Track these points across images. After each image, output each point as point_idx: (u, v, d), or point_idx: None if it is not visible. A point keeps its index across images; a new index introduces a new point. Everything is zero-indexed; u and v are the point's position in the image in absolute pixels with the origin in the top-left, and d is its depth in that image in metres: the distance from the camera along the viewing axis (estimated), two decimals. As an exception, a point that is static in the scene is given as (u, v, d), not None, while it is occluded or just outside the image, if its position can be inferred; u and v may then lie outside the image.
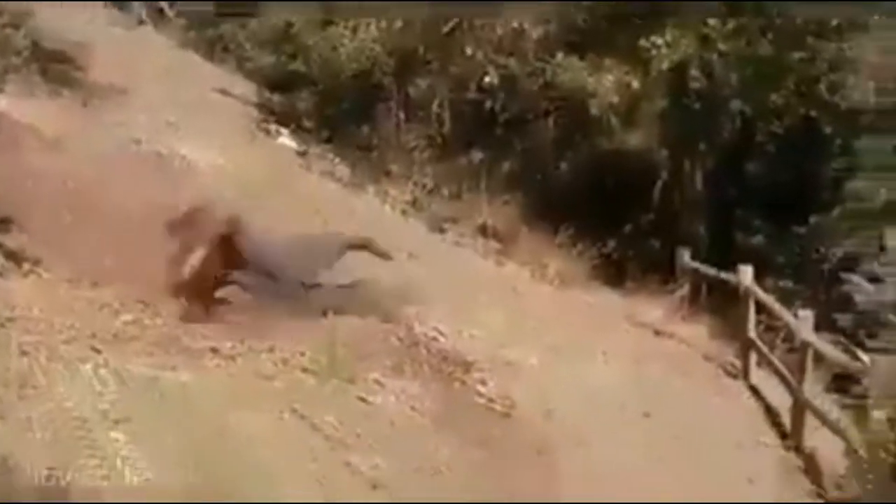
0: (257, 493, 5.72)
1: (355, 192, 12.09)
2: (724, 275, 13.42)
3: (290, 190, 10.59)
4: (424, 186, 13.22)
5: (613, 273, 14.40)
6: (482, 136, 15.46)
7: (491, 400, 8.65)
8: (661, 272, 14.14)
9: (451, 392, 8.37)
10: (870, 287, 10.69)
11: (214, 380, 6.75)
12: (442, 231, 12.45)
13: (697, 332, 12.90)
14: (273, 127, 13.27)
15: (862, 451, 8.31)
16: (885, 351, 9.63)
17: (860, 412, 9.21)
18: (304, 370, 7.43)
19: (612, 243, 15.21)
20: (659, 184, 16.67)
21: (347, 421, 7.06)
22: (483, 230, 12.69)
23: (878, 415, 8.36)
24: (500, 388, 8.85)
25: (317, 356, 7.56)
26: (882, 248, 12.53)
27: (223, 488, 5.48)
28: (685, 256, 14.63)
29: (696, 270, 14.39)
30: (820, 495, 9.30)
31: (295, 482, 6.04)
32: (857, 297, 10.85)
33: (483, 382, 8.78)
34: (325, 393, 7.29)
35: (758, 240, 15.13)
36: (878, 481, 8.12)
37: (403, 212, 12.18)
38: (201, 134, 10.80)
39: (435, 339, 8.85)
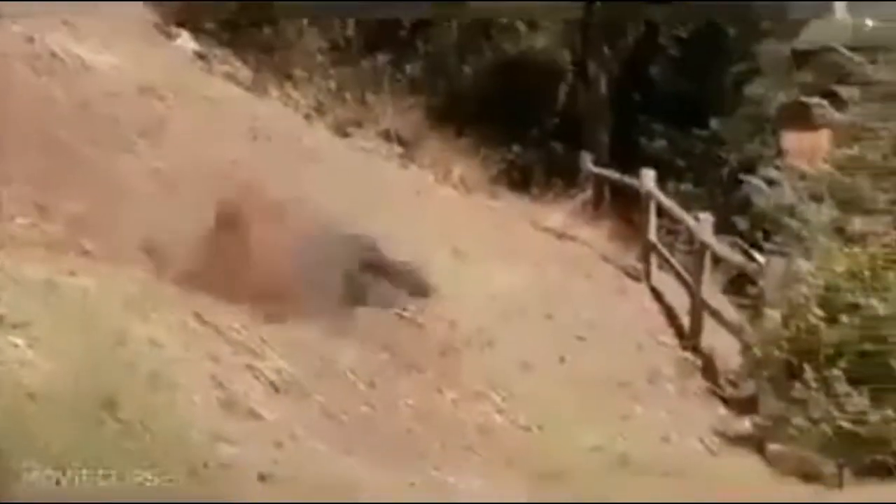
0: (159, 398, 5.70)
1: (258, 96, 11.89)
2: (626, 179, 13.58)
3: (192, 92, 10.38)
4: (328, 90, 13.06)
5: (517, 177, 14.47)
6: (386, 39, 15.30)
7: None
8: (564, 176, 14.25)
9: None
10: (767, 190, 10.88)
11: (116, 284, 6.67)
12: (346, 135, 12.33)
13: (600, 235, 13.06)
14: (172, 29, 12.96)
15: (756, 350, 8.52)
16: (780, 252, 9.83)
17: (755, 312, 9.42)
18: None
19: (516, 148, 15.26)
20: (563, 88, 16.71)
21: (251, 326, 7.04)
22: (387, 134, 12.60)
23: (771, 314, 8.57)
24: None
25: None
26: (780, 152, 12.75)
27: (124, 392, 5.45)
28: (588, 161, 14.75)
29: (598, 175, 14.54)
30: (715, 392, 9.56)
31: (196, 386, 6.02)
32: (755, 200, 11.03)
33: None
34: (229, 297, 7.25)
35: (660, 144, 15.27)
36: (771, 378, 8.35)
37: (307, 116, 12.02)
38: (98, 35, 10.51)
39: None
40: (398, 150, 12.40)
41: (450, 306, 8.85)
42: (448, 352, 8.35)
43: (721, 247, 10.89)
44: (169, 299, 6.87)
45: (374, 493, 5.67)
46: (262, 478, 5.44)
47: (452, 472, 6.44)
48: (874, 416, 7.63)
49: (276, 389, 6.49)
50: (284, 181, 8.92)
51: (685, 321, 11.15)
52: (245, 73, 12.46)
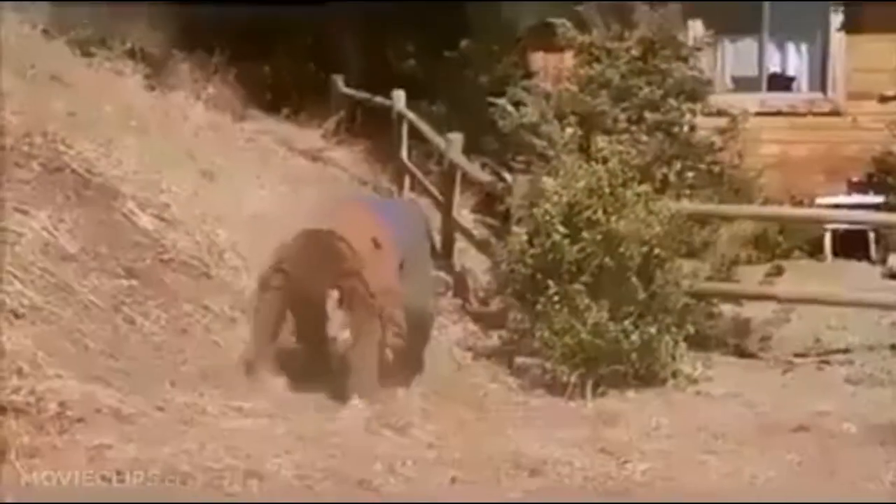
0: None
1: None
2: (378, 99, 13.64)
3: None
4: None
5: (270, 98, 14.33)
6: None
7: (146, 230, 8.48)
8: (317, 98, 14.19)
9: (101, 220, 8.12)
10: (512, 110, 11.12)
11: None
12: (89, 54, 11.87)
13: (353, 156, 13.13)
14: None
15: (504, 267, 8.76)
16: (526, 171, 10.10)
17: (503, 230, 9.68)
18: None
19: (268, 68, 15.08)
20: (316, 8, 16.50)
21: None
22: (132, 53, 12.20)
23: (518, 231, 8.81)
24: (154, 216, 8.69)
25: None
26: (528, 73, 13.01)
27: None
28: (339, 82, 14.74)
29: (351, 96, 14.56)
30: (466, 308, 9.79)
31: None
32: (499, 121, 11.27)
33: (134, 213, 8.56)
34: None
35: (410, 64, 15.35)
36: (517, 293, 8.60)
37: (45, 31, 11.49)
38: None
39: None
40: (145, 69, 12.02)
41: (199, 228, 8.71)
42: (207, 273, 8.25)
43: (471, 166, 11.11)
44: None
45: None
46: (1, 408, 5.28)
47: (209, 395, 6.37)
48: (613, 329, 7.99)
49: (17, 315, 6.26)
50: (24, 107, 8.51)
51: (437, 240, 11.36)
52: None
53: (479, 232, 10.96)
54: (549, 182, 8.80)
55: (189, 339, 7.29)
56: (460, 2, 14.54)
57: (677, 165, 10.59)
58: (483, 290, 9.86)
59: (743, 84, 14.03)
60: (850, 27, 13.57)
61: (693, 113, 11.06)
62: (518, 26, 13.61)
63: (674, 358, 8.26)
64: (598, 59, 10.94)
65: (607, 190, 8.37)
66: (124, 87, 11.43)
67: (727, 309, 9.54)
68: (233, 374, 6.64)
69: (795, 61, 14.24)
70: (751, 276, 10.23)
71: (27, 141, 8.12)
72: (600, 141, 9.33)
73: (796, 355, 9.18)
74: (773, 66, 14.23)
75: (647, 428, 6.86)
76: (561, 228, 8.27)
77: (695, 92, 11.17)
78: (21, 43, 10.19)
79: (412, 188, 12.68)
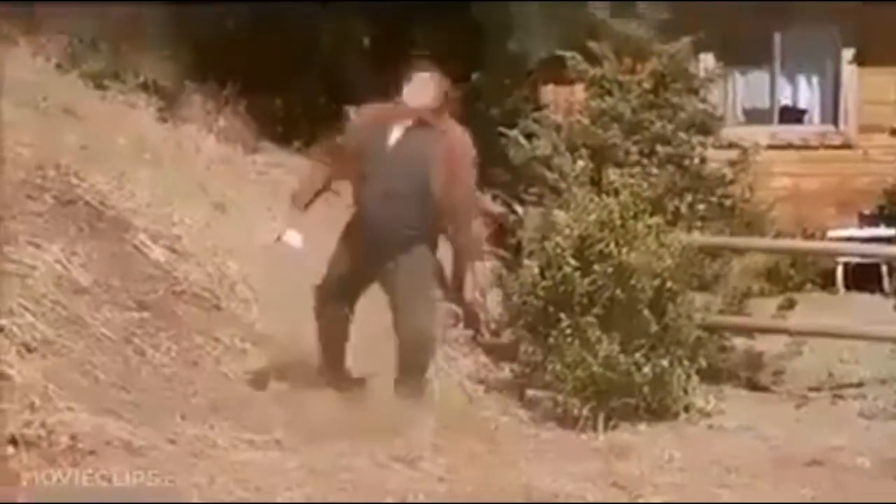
0: None
1: (5, 46, 11.37)
2: (389, 132, 13.60)
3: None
4: (81, 40, 12.57)
5: (282, 130, 14.36)
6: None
7: (157, 262, 8.50)
8: (329, 129, 14.18)
9: (114, 252, 8.14)
10: (524, 142, 11.14)
11: None
12: (103, 87, 11.93)
13: (364, 188, 13.08)
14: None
15: (515, 299, 8.75)
16: (537, 204, 10.11)
17: (515, 262, 9.67)
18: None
19: (279, 101, 15.11)
20: (327, 41, 16.58)
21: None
22: (145, 86, 12.26)
23: (529, 264, 8.81)
24: (166, 248, 8.71)
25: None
26: (539, 106, 13.04)
27: None
28: (352, 114, 14.74)
29: (363, 128, 14.54)
30: (476, 340, 9.77)
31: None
32: (511, 153, 11.28)
33: (146, 245, 8.58)
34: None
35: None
36: (528, 326, 8.59)
37: (58, 66, 11.56)
38: None
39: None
40: (158, 102, 12.07)
41: (210, 260, 8.72)
42: (217, 306, 8.25)
43: (482, 198, 11.10)
44: None
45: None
46: (13, 441, 5.28)
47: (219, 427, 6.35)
48: (624, 361, 7.97)
49: (29, 349, 6.27)
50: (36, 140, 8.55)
51: (448, 272, 11.32)
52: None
53: (491, 264, 10.93)
54: (560, 215, 8.81)
55: (199, 371, 7.29)
56: (472, 36, 14.57)
57: (688, 198, 10.57)
58: (494, 322, 9.84)
59: (754, 116, 14.05)
60: (855, 59, 13.62)
61: (704, 146, 11.06)
62: (529, 59, 13.65)
63: (686, 391, 8.23)
64: (609, 93, 10.96)
65: (619, 222, 8.37)
66: (137, 120, 11.49)
67: (739, 342, 9.52)
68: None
69: (807, 94, 14.26)
70: (763, 309, 10.18)
71: (40, 174, 8.16)
72: (612, 174, 9.32)
73: (810, 389, 9.15)
74: (785, 99, 14.25)
75: (660, 461, 6.83)
76: (572, 261, 8.26)
77: (705, 125, 11.18)
78: (34, 76, 10.25)
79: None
